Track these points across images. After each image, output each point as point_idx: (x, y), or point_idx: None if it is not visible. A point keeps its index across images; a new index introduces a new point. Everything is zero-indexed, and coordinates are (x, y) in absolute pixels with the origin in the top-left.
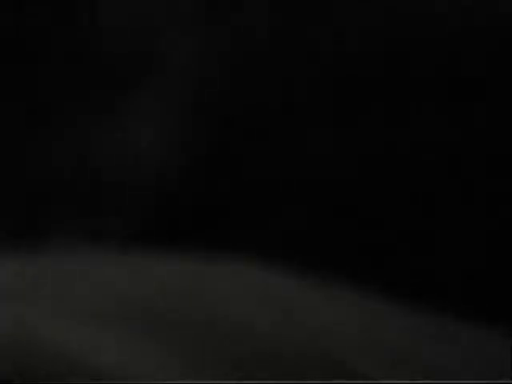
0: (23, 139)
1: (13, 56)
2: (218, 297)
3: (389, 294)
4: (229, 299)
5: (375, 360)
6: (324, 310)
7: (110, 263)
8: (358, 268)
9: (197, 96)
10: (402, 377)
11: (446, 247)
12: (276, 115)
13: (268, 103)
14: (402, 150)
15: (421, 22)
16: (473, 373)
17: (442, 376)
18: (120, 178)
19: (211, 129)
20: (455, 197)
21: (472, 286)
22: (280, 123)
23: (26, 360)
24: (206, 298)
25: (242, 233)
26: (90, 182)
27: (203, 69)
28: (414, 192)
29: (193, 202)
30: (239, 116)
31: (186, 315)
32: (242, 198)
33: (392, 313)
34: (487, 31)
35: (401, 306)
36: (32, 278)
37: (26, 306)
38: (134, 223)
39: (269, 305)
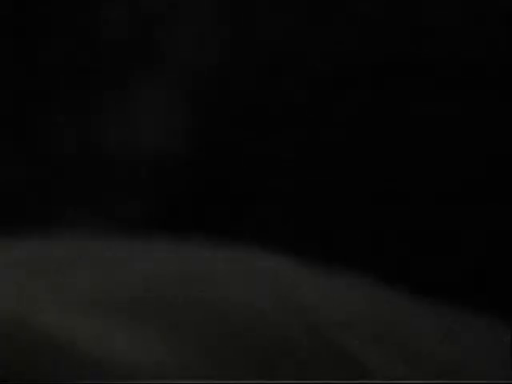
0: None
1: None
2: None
3: (396, 284)
4: (229, 285)
5: (380, 351)
6: (324, 296)
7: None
8: (364, 257)
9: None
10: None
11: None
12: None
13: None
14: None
15: None
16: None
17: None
18: (120, 162)
19: (210, 117)
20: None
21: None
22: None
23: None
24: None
25: (244, 219)
26: (89, 170)
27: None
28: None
29: (194, 187)
30: (240, 103)
31: (185, 301)
32: (244, 184)
33: (398, 303)
34: None
35: (406, 298)
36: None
37: (27, 291)
38: (135, 208)
39: (268, 291)
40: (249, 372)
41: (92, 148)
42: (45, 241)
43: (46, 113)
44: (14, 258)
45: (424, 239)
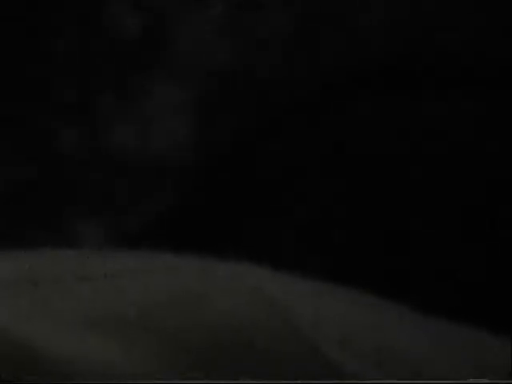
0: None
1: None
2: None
3: (388, 295)
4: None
5: (379, 369)
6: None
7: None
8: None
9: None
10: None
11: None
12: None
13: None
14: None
15: None
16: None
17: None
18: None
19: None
20: None
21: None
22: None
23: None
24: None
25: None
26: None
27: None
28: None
29: (193, 201)
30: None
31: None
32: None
33: (391, 314)
34: None
35: (400, 307)
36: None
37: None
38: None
39: (263, 309)
40: None
41: (93, 154)
42: (41, 253)
43: (47, 114)
44: (7, 270)
45: (420, 250)
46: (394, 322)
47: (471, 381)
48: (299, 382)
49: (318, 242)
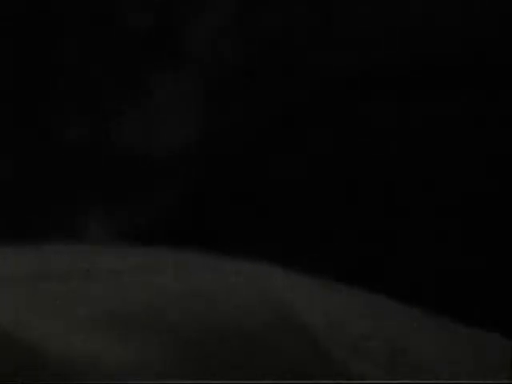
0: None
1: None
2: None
3: (399, 299)
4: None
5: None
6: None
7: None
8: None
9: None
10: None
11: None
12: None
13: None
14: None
15: None
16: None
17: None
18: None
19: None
20: None
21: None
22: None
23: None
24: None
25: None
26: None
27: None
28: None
29: (197, 197)
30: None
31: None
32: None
33: (403, 317)
34: None
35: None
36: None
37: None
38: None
39: (270, 308)
40: None
41: (97, 150)
42: (43, 251)
43: (51, 109)
44: (11, 270)
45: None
46: (398, 323)
47: (471, 381)
48: (300, 382)
49: (328, 243)
